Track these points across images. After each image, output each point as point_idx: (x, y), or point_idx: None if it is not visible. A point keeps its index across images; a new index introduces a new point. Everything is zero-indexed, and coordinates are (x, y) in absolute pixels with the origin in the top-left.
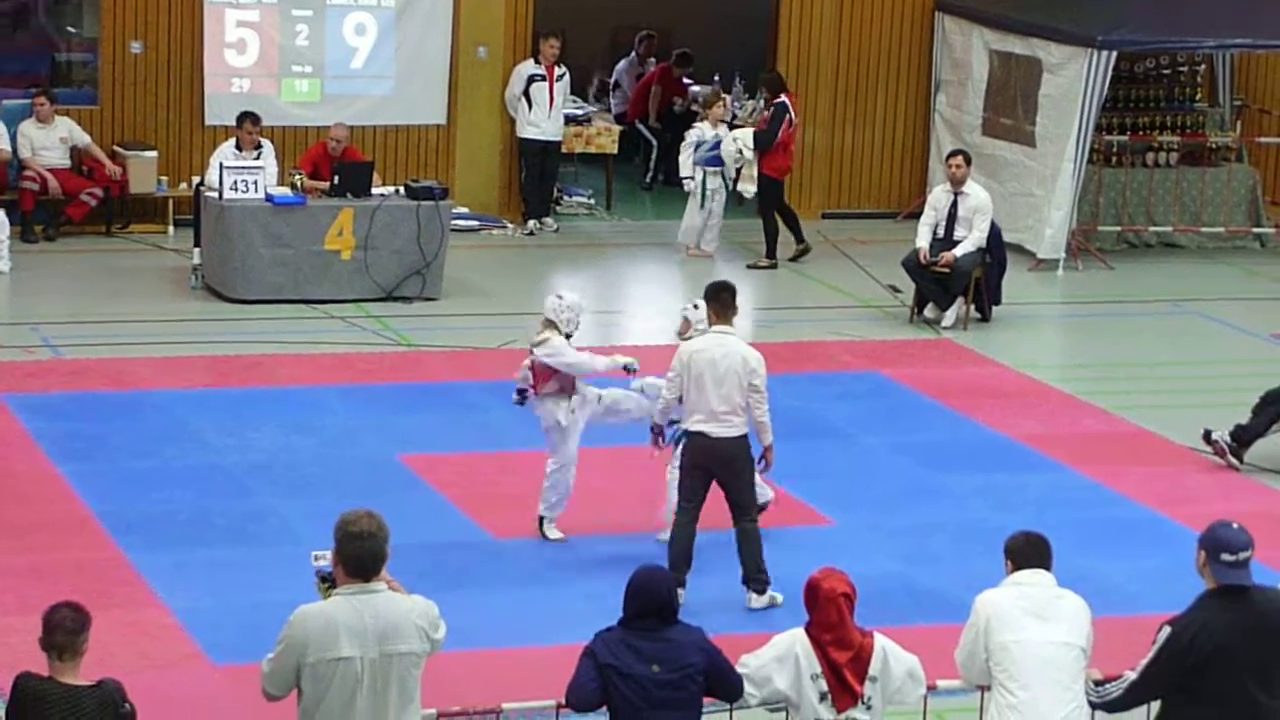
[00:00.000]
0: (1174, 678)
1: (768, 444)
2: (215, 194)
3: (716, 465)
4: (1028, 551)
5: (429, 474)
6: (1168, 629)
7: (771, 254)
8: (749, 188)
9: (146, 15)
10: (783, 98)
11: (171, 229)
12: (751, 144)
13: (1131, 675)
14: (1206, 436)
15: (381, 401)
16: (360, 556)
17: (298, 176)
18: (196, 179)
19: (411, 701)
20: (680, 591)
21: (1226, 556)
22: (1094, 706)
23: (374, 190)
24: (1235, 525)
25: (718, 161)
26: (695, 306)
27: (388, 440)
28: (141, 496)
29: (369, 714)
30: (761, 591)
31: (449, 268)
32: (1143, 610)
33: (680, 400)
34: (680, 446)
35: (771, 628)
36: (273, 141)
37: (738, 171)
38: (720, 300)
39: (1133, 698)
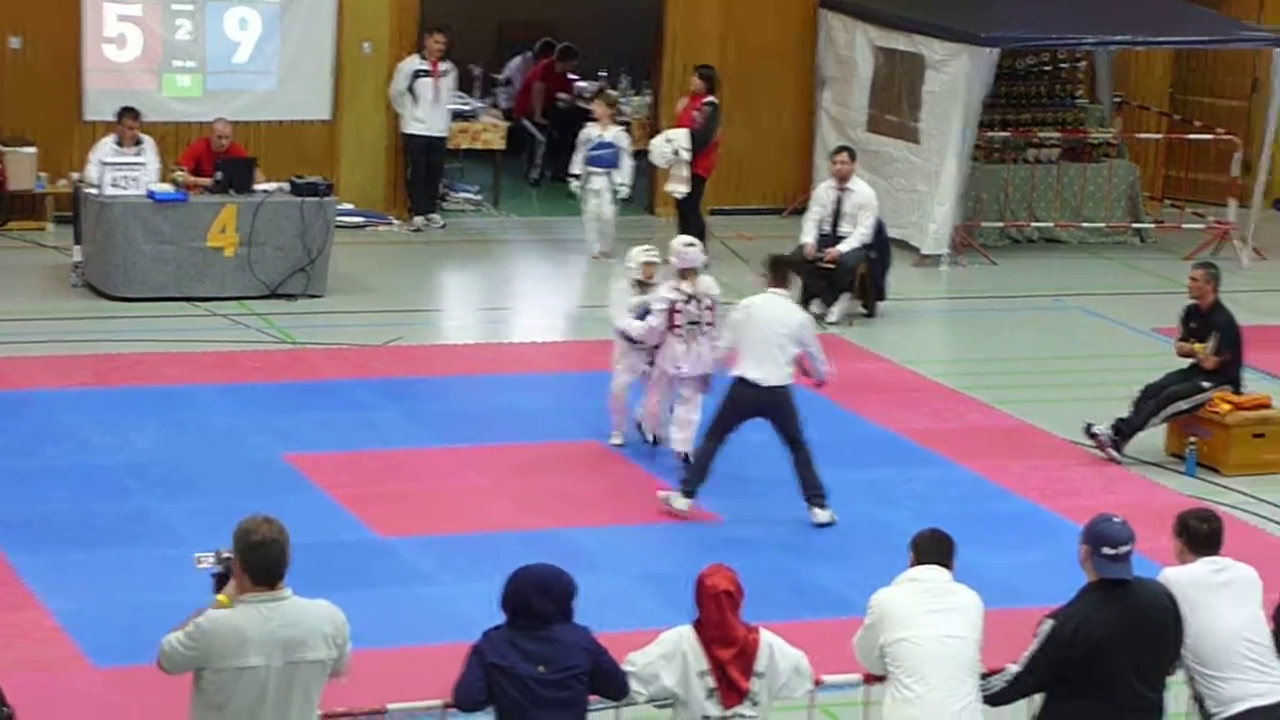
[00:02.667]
0: (1056, 670)
1: (823, 376)
2: (95, 190)
3: (762, 407)
4: (930, 547)
5: (314, 473)
6: (1050, 622)
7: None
8: (680, 188)
9: (25, 9)
10: (713, 96)
11: (51, 226)
12: (688, 144)
13: (1014, 668)
14: (1088, 430)
15: (266, 400)
16: (264, 564)
17: (179, 173)
18: (76, 175)
19: (314, 708)
20: (690, 501)
21: (1108, 550)
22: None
23: (257, 186)
24: (1117, 519)
25: (602, 162)
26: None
27: (272, 439)
28: (20, 497)
29: None
30: (823, 506)
31: (334, 264)
32: (1025, 603)
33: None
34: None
35: (659, 625)
36: (154, 137)
37: (667, 172)
38: (777, 270)
39: (1015, 691)
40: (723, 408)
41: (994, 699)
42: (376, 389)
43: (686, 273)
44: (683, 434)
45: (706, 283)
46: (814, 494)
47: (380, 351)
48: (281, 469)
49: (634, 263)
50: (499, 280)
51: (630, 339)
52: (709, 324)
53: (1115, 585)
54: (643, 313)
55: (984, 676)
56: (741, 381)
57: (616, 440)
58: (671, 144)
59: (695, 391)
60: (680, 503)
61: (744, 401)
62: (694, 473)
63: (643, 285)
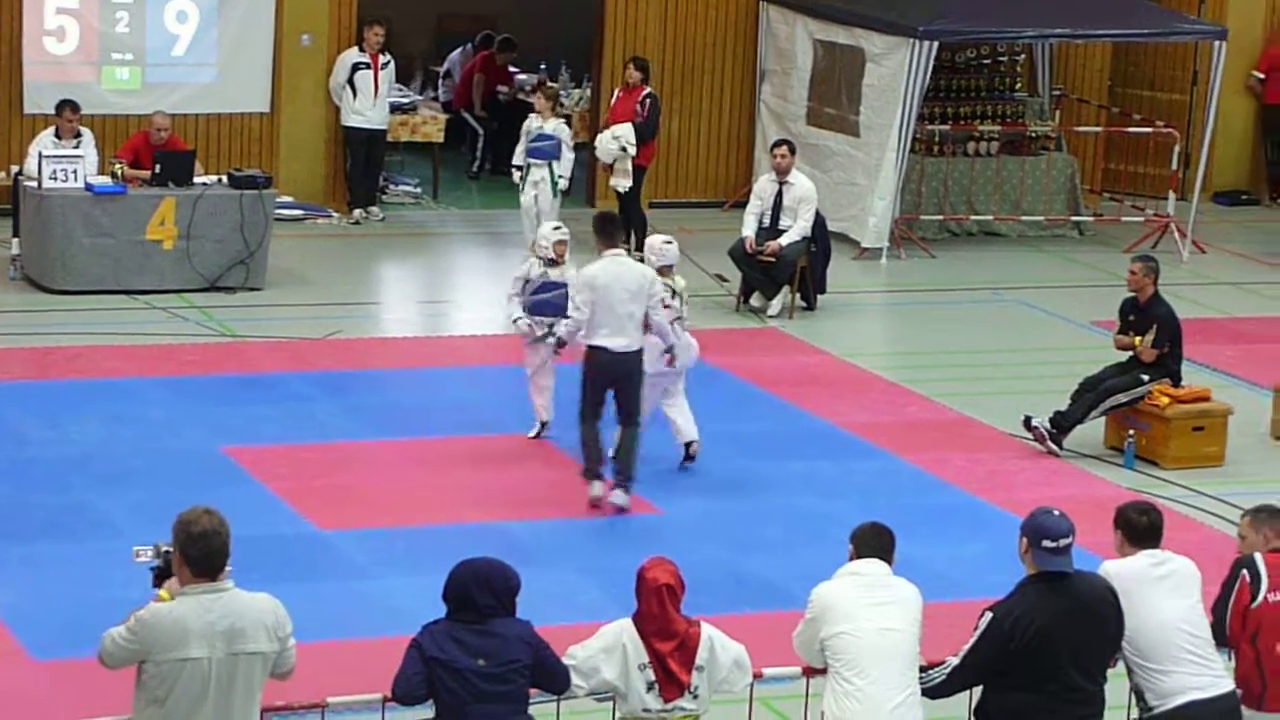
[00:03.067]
0: (995, 663)
1: (670, 344)
2: (34, 183)
3: (615, 376)
4: (869, 541)
5: (253, 466)
6: (989, 615)
7: (641, 245)
8: (624, 182)
9: None
10: (649, 87)
11: None
12: (633, 139)
13: (953, 661)
14: (1027, 423)
15: (205, 393)
16: (205, 556)
17: (118, 165)
18: (15, 168)
19: (256, 702)
20: (600, 483)
21: (1047, 543)
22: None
23: (196, 179)
24: (1056, 512)
25: (542, 154)
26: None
27: (211, 432)
28: None
29: (216, 714)
30: (627, 490)
31: (273, 257)
32: (965, 596)
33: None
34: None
35: (600, 618)
36: (93, 130)
37: (610, 166)
38: (605, 230)
39: (954, 683)
40: (583, 384)
41: (933, 691)
42: (316, 382)
43: (665, 270)
44: (685, 423)
45: (681, 281)
46: (624, 477)
47: (319, 345)
48: (220, 462)
49: (546, 241)
50: (438, 273)
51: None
52: (684, 318)
53: (1055, 578)
54: (538, 287)
55: (923, 669)
56: (596, 350)
57: (534, 432)
58: (618, 140)
59: (679, 381)
60: (591, 488)
61: (600, 370)
62: (591, 458)
63: (553, 264)
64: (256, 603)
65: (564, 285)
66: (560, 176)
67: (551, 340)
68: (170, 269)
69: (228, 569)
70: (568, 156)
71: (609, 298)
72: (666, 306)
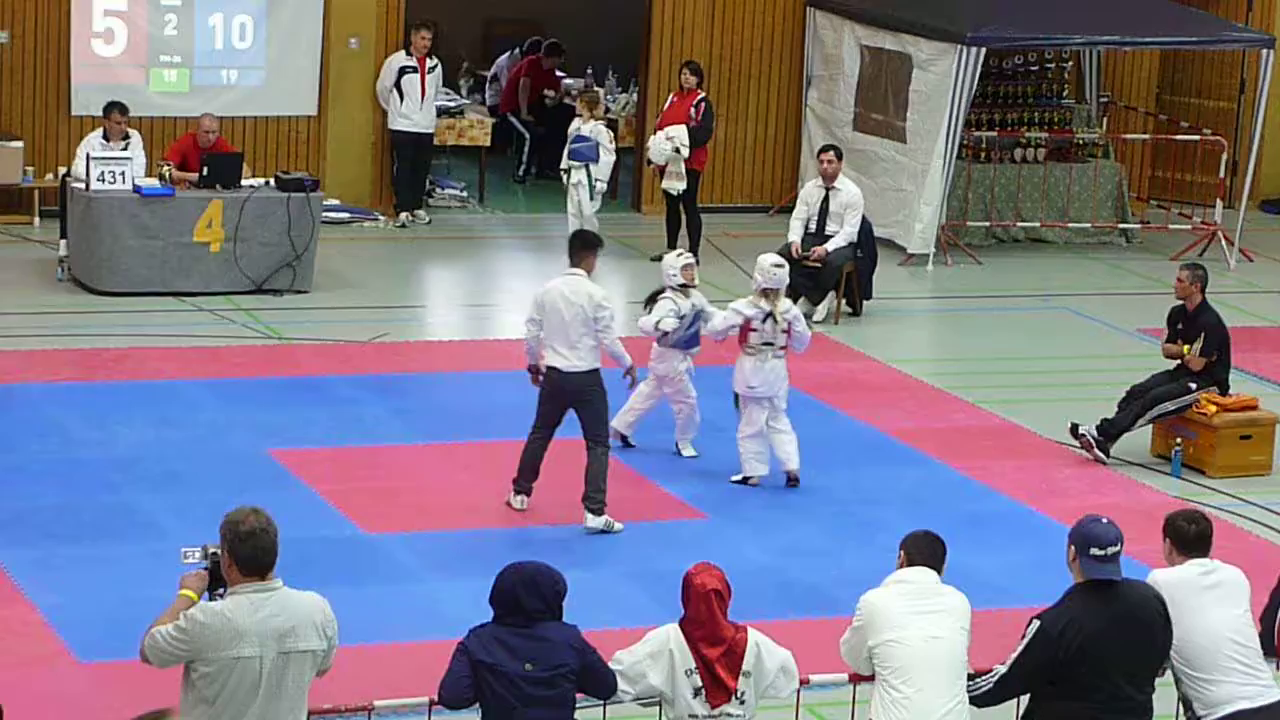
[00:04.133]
0: (1043, 672)
1: (627, 365)
2: (82, 185)
3: (569, 396)
4: (922, 549)
5: (299, 469)
6: (1036, 623)
7: (695, 250)
8: (677, 185)
9: (13, 3)
10: (704, 91)
11: (38, 220)
12: (687, 140)
13: (1001, 669)
14: (1074, 430)
15: (251, 395)
16: (254, 555)
17: (166, 168)
18: (63, 169)
19: (304, 701)
20: (525, 498)
21: (1095, 551)
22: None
23: (244, 182)
24: (1104, 520)
25: (579, 156)
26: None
27: (258, 435)
28: (6, 492)
29: (264, 714)
30: (597, 513)
31: (320, 260)
32: (1012, 604)
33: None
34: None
35: (647, 623)
36: (141, 132)
37: (662, 169)
38: (570, 247)
39: (1002, 692)
40: (539, 399)
41: (981, 700)
42: (362, 385)
43: (769, 293)
44: (786, 450)
45: (786, 304)
46: (592, 498)
47: (366, 347)
48: (267, 464)
49: (673, 269)
50: (484, 277)
51: (665, 334)
52: (782, 347)
53: (1103, 586)
54: (680, 315)
55: (971, 678)
56: (549, 369)
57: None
58: (672, 141)
59: (780, 410)
60: (515, 501)
61: (554, 391)
62: (520, 469)
63: (684, 289)
64: (305, 601)
65: (697, 314)
66: (597, 180)
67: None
68: (217, 271)
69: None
70: (605, 159)
71: (556, 317)
72: (752, 330)
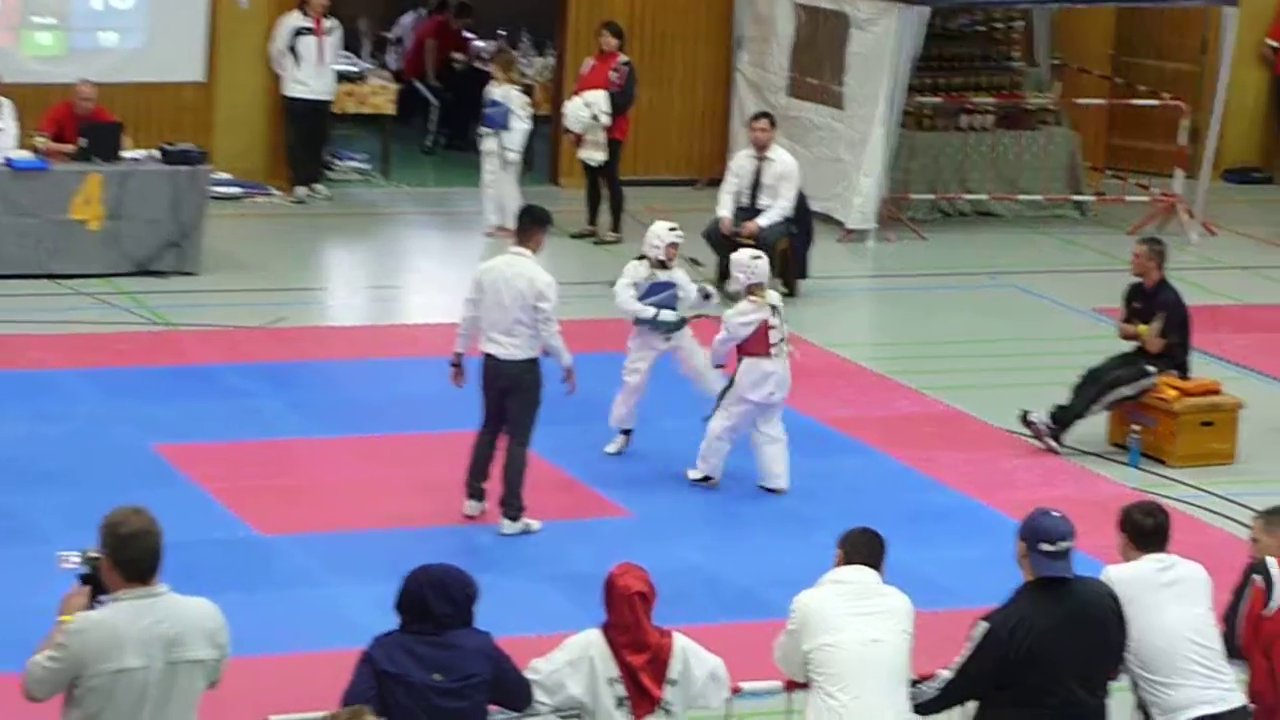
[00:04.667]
0: (992, 676)
1: (564, 365)
2: None
3: (503, 385)
4: (860, 547)
5: (187, 465)
6: (984, 624)
7: (618, 225)
8: (596, 155)
9: None
10: (625, 54)
11: None
12: (607, 107)
13: (947, 674)
14: (1024, 418)
15: (135, 386)
16: (137, 558)
17: (40, 139)
18: None
19: (194, 715)
20: (475, 503)
21: (1045, 547)
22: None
23: (124, 154)
24: (1056, 514)
25: (491, 122)
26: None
27: (142, 429)
28: None
29: None
30: (514, 518)
31: (209, 239)
32: (958, 604)
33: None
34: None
35: (566, 629)
36: (13, 100)
37: (579, 139)
38: (519, 223)
39: (949, 698)
40: (481, 392)
41: (925, 708)
42: (256, 374)
43: (755, 289)
44: (782, 466)
45: (773, 295)
46: (509, 503)
47: (260, 333)
48: (151, 461)
49: (659, 241)
50: (389, 256)
51: (641, 321)
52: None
53: (1054, 584)
54: (646, 290)
55: (915, 684)
56: (486, 357)
57: (612, 448)
58: (590, 108)
59: (777, 413)
60: (466, 507)
61: (488, 379)
62: (470, 470)
63: (662, 266)
64: (194, 607)
65: (674, 285)
66: (507, 149)
67: (661, 331)
68: (97, 251)
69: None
70: (518, 127)
71: (496, 298)
72: (772, 328)
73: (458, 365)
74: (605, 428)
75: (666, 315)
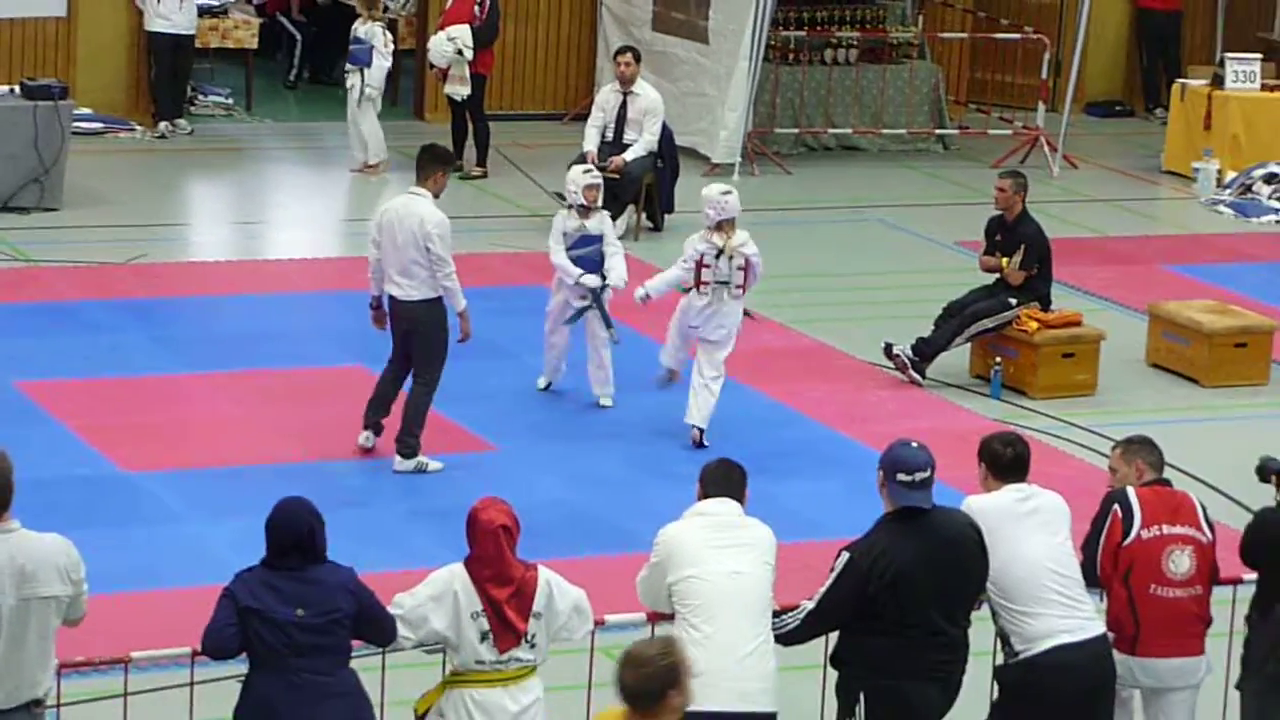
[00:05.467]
0: (853, 606)
1: (459, 309)
2: None
3: (405, 326)
4: (719, 479)
5: (50, 402)
6: (846, 555)
7: (483, 160)
8: (461, 89)
9: None
10: None
11: None
12: (470, 42)
13: (809, 605)
14: (888, 350)
15: None
16: None
17: None
18: None
19: (51, 650)
20: (370, 434)
21: (903, 477)
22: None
23: None
24: (915, 444)
25: (353, 60)
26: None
27: (3, 366)
28: None
29: (6, 666)
30: (408, 455)
31: (70, 174)
32: (822, 536)
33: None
34: None
35: (429, 564)
36: None
37: (444, 73)
38: (418, 160)
39: (810, 629)
40: (390, 330)
41: (788, 637)
42: (119, 310)
43: (724, 225)
44: (697, 402)
45: (741, 238)
46: (404, 440)
47: (123, 269)
48: (13, 398)
49: (575, 186)
50: (252, 191)
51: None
52: (739, 286)
53: (915, 514)
54: (575, 242)
55: (777, 614)
56: (390, 298)
57: (542, 383)
58: (454, 42)
59: (713, 354)
60: (363, 437)
61: (393, 320)
62: (370, 403)
63: (585, 210)
64: (45, 543)
65: (599, 239)
66: (369, 86)
67: (586, 301)
68: None
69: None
70: (379, 64)
71: (391, 239)
72: (705, 267)
73: (377, 308)
74: (471, 364)
75: (590, 280)
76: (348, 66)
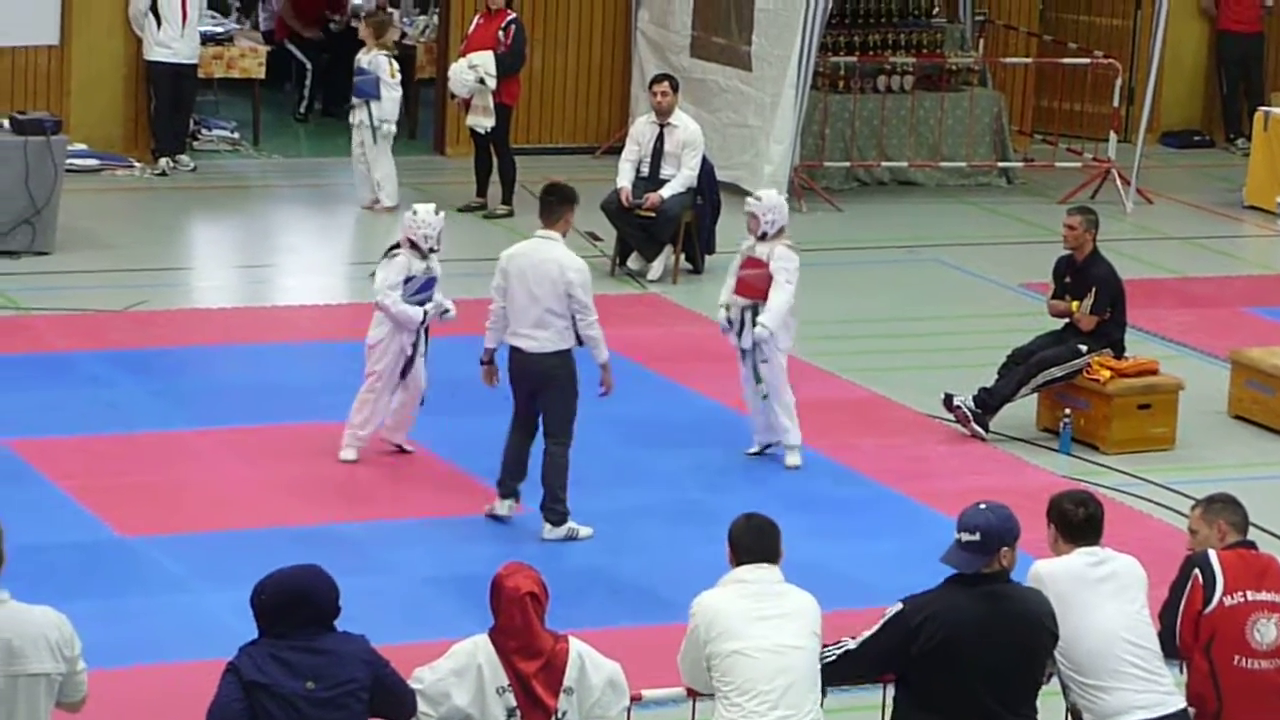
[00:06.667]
0: (890, 661)
1: (600, 362)
2: None
3: (533, 382)
4: (749, 542)
5: (41, 461)
6: (899, 605)
7: (509, 198)
8: (484, 121)
9: None
10: (513, 12)
11: None
12: (494, 70)
13: (849, 644)
14: (948, 402)
15: None
16: None
17: None
18: None
19: None
20: (510, 502)
21: (956, 534)
22: None
23: None
24: (984, 505)
25: (359, 92)
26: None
27: None
28: None
29: None
30: (557, 523)
31: (64, 215)
32: (877, 602)
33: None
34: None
35: (450, 634)
36: None
37: (466, 103)
38: (544, 203)
39: (841, 671)
40: (510, 388)
41: (822, 671)
42: (115, 362)
43: (780, 233)
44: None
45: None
46: (551, 508)
47: (119, 318)
48: (3, 457)
49: (428, 230)
50: (260, 233)
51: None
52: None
53: (981, 581)
54: (425, 283)
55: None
56: (512, 351)
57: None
58: (476, 70)
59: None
60: (499, 506)
61: (516, 375)
62: (503, 470)
63: (427, 253)
64: (36, 616)
65: (435, 281)
66: (381, 121)
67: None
68: None
69: None
70: (387, 95)
71: (525, 288)
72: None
73: (489, 362)
74: (491, 418)
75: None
76: (353, 100)
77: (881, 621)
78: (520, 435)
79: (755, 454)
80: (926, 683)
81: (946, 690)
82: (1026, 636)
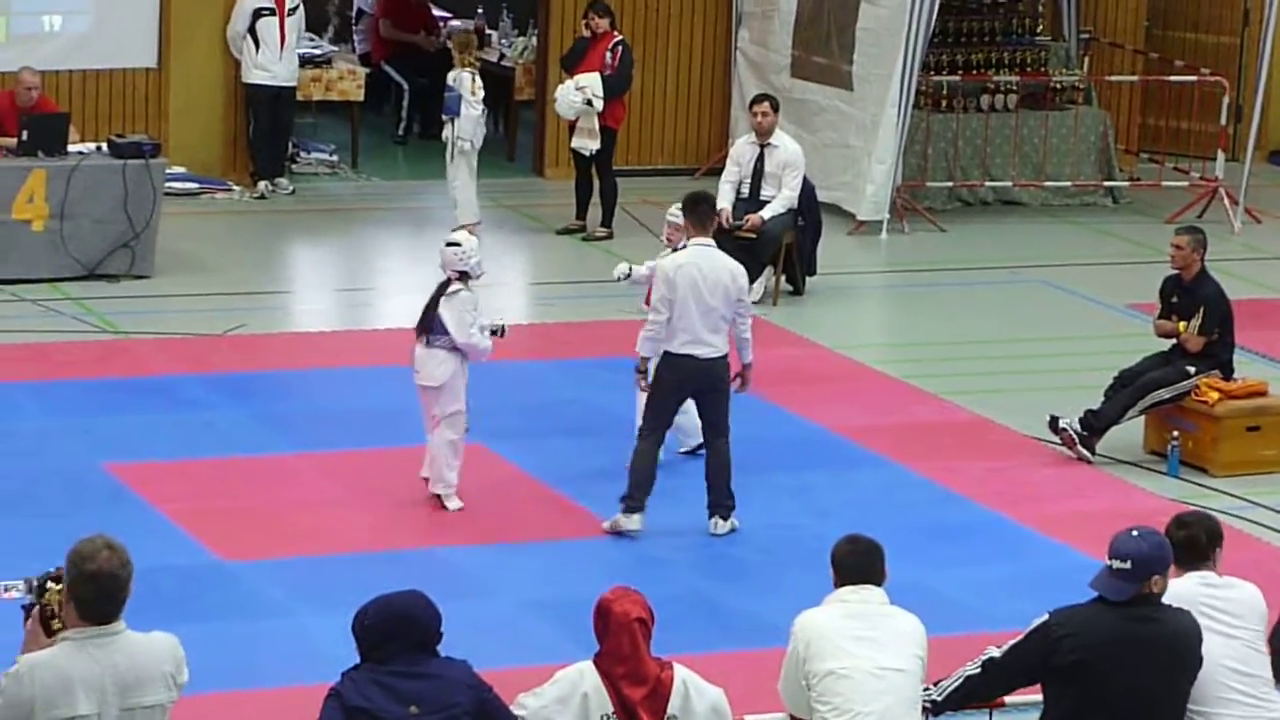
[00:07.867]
0: (1029, 672)
1: (748, 362)
2: None
3: (703, 385)
4: (853, 562)
5: (142, 485)
6: (1046, 615)
7: (609, 221)
8: (589, 144)
9: None
10: (619, 34)
11: None
12: (600, 91)
13: (995, 652)
14: (1053, 424)
15: (83, 400)
16: (97, 598)
17: None
18: None
19: None
20: (640, 516)
21: (1107, 560)
22: (932, 709)
23: (71, 147)
24: (1136, 532)
25: (446, 110)
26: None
27: (92, 446)
28: None
29: None
30: (726, 516)
31: (162, 239)
32: (983, 627)
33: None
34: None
35: (551, 659)
36: None
37: (572, 125)
38: (698, 212)
39: (989, 678)
40: (659, 395)
41: (963, 687)
42: (214, 385)
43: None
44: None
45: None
46: (720, 502)
47: (219, 342)
48: (102, 481)
49: (476, 254)
50: (359, 256)
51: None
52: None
53: (1135, 603)
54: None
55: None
56: (672, 357)
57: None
58: (583, 92)
59: None
60: (629, 521)
61: (683, 382)
62: (637, 483)
63: (465, 278)
64: (153, 646)
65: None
66: (459, 138)
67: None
68: (41, 254)
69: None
70: (468, 113)
71: (698, 296)
72: None
73: (645, 371)
74: (591, 441)
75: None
76: (443, 117)
77: (1026, 631)
78: (655, 447)
79: (688, 453)
80: (1062, 702)
81: (1082, 712)
82: (1170, 661)
